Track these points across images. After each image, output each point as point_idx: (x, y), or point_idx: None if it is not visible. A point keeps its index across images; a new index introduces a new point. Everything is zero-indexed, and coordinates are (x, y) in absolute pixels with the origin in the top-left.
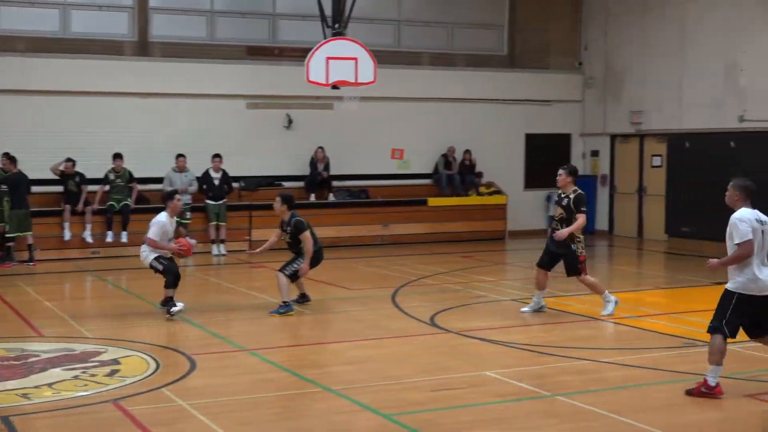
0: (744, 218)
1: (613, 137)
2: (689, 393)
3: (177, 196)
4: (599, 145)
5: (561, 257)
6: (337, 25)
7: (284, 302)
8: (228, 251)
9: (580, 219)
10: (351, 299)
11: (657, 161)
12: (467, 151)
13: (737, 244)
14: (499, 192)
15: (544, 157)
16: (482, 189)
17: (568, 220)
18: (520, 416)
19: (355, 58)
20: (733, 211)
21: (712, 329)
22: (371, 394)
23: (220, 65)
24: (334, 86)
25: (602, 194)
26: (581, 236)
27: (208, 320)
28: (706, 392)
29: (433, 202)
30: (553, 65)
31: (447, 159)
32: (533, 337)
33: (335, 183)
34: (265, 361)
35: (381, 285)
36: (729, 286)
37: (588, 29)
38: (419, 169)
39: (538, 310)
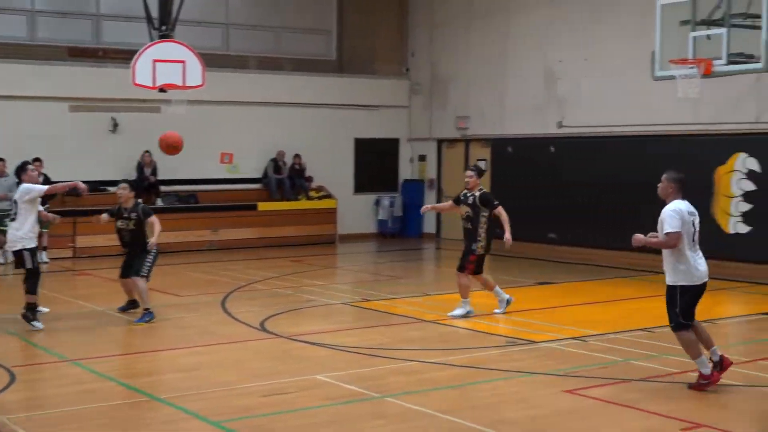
0: (677, 210)
1: (440, 142)
2: (691, 387)
3: None
4: (426, 149)
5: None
6: (164, 27)
7: (147, 309)
8: (50, 258)
9: (503, 212)
10: (180, 305)
11: (482, 165)
12: (297, 156)
13: (666, 234)
14: (328, 196)
15: (373, 161)
16: (312, 193)
17: (475, 218)
18: (351, 419)
19: (182, 61)
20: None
21: (675, 328)
22: (201, 402)
23: (40, 66)
24: (162, 89)
25: (430, 198)
26: (484, 237)
27: (29, 330)
28: (705, 383)
29: (263, 206)
30: (381, 71)
31: (277, 163)
32: (363, 339)
33: (163, 188)
34: (89, 372)
35: (211, 291)
36: (668, 281)
37: (414, 36)
38: (249, 173)
39: (466, 315)
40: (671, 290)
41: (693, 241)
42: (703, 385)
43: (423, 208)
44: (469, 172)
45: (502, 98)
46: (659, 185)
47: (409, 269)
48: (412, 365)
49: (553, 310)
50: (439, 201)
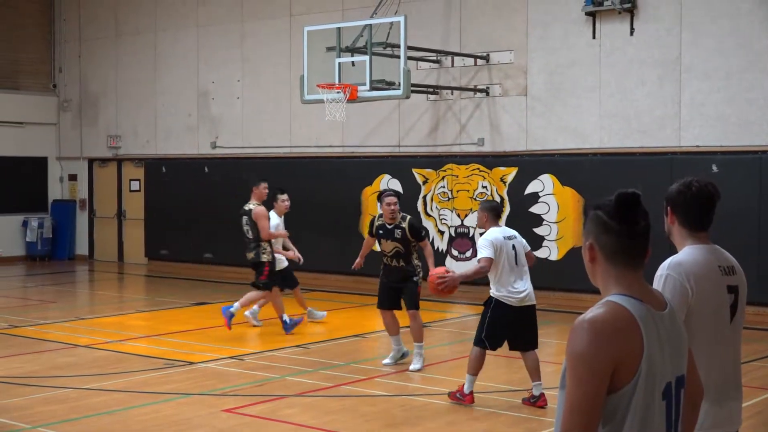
0: (490, 238)
1: (91, 161)
2: (449, 395)
3: None
4: (77, 169)
5: (401, 291)
6: None
7: None
8: None
9: (428, 247)
10: None
11: (135, 185)
12: None
13: (479, 260)
14: None
15: (20, 180)
16: None
17: (405, 254)
18: None
19: None
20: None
21: (475, 341)
22: None
23: None
24: None
25: (81, 219)
26: (419, 265)
27: None
28: (459, 398)
29: None
30: (26, 86)
31: None
32: (12, 368)
33: None
34: None
35: None
36: (491, 291)
37: (62, 51)
38: None
39: (401, 358)
40: (487, 302)
41: (516, 264)
42: (458, 399)
43: (356, 264)
44: (392, 198)
45: (155, 117)
46: (477, 216)
47: (61, 293)
48: (65, 393)
49: (210, 330)
50: (91, 221)
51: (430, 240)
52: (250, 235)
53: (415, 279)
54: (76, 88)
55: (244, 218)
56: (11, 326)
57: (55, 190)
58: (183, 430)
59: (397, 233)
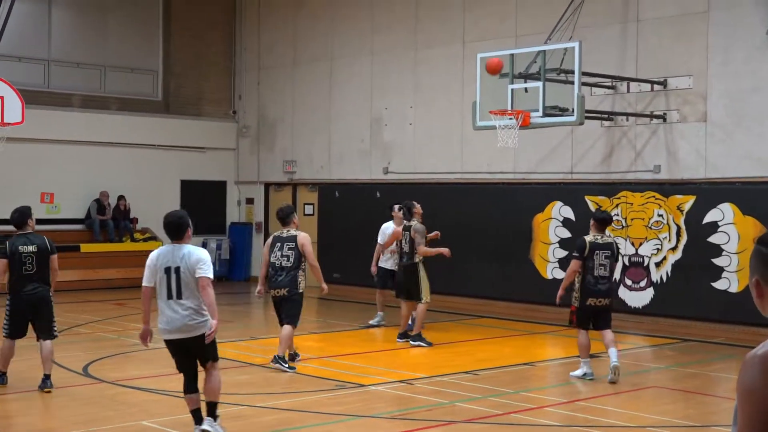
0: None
1: (267, 185)
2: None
3: None
4: (254, 192)
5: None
6: None
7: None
8: None
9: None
10: None
11: (309, 209)
12: (121, 197)
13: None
14: (154, 238)
15: (200, 203)
16: (137, 235)
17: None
18: None
19: (1, 97)
20: None
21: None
22: None
23: None
24: None
25: (257, 241)
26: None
27: None
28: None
29: (86, 248)
30: (208, 113)
31: (100, 204)
32: None
33: None
34: None
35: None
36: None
37: (242, 79)
38: (71, 214)
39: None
40: None
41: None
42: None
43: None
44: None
45: (329, 143)
46: None
47: (237, 313)
48: (240, 410)
49: (380, 353)
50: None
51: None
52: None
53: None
54: (255, 115)
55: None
56: None
57: (233, 213)
58: None
59: None
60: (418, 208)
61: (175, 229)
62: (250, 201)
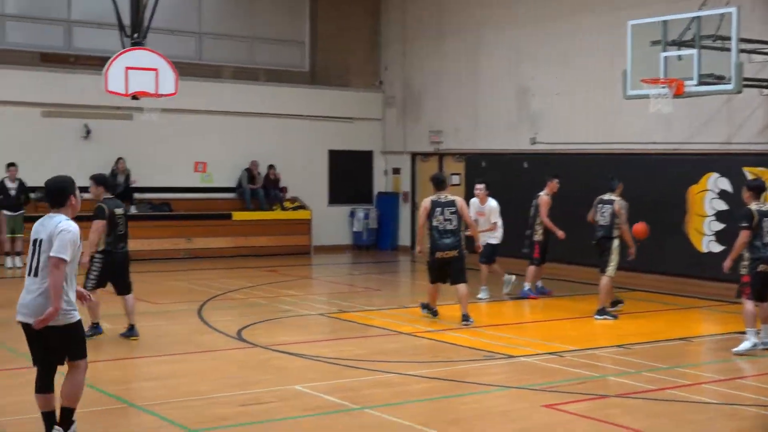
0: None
1: (414, 155)
2: None
3: None
4: (400, 162)
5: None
6: (135, 35)
7: (95, 323)
8: (24, 264)
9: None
10: (157, 313)
11: (456, 179)
12: (271, 166)
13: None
14: (303, 207)
15: (348, 173)
16: (286, 204)
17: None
18: (329, 429)
19: (155, 69)
20: None
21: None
22: (178, 410)
23: (12, 71)
24: (134, 97)
25: (404, 211)
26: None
27: (4, 336)
28: None
29: (237, 216)
30: (354, 83)
31: (250, 173)
32: (340, 350)
33: (137, 195)
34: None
35: (187, 299)
36: None
37: (388, 50)
38: (223, 182)
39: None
40: None
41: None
42: None
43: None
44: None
45: (475, 113)
46: None
47: (385, 281)
48: (389, 377)
49: (529, 324)
50: (413, 214)
51: None
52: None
53: None
54: (400, 85)
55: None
56: (340, 311)
57: (380, 183)
58: (504, 422)
59: None
60: (620, 185)
61: (52, 195)
62: (396, 171)
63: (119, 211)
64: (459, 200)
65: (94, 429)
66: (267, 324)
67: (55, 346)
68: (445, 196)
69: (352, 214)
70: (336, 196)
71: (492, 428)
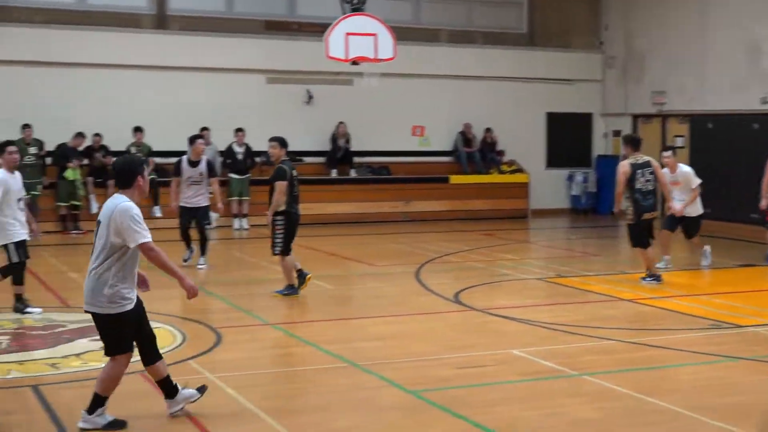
0: None
1: (635, 117)
2: None
3: (10, 148)
4: (621, 125)
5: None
6: (355, 1)
7: (290, 285)
8: (250, 225)
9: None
10: (374, 275)
11: (680, 142)
12: (488, 129)
13: None
14: (520, 170)
15: (566, 136)
16: (504, 167)
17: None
18: (547, 394)
19: (374, 34)
20: None
21: None
22: (396, 371)
23: (238, 39)
24: (354, 62)
25: None
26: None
27: (232, 293)
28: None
29: (454, 179)
30: (574, 44)
31: (465, 136)
32: (558, 316)
33: (356, 159)
34: (289, 336)
35: (404, 261)
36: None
37: (609, 9)
38: (440, 146)
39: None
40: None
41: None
42: None
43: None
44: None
45: (701, 73)
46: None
47: (604, 246)
48: (608, 344)
49: (758, 293)
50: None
51: None
52: None
53: None
54: (621, 46)
55: None
56: (558, 275)
57: (599, 146)
58: (730, 395)
59: None
60: None
61: (119, 175)
62: (616, 133)
63: (295, 173)
64: (653, 161)
65: (317, 388)
66: (484, 287)
67: (99, 332)
68: (641, 156)
69: (570, 178)
70: (554, 160)
71: (717, 400)
